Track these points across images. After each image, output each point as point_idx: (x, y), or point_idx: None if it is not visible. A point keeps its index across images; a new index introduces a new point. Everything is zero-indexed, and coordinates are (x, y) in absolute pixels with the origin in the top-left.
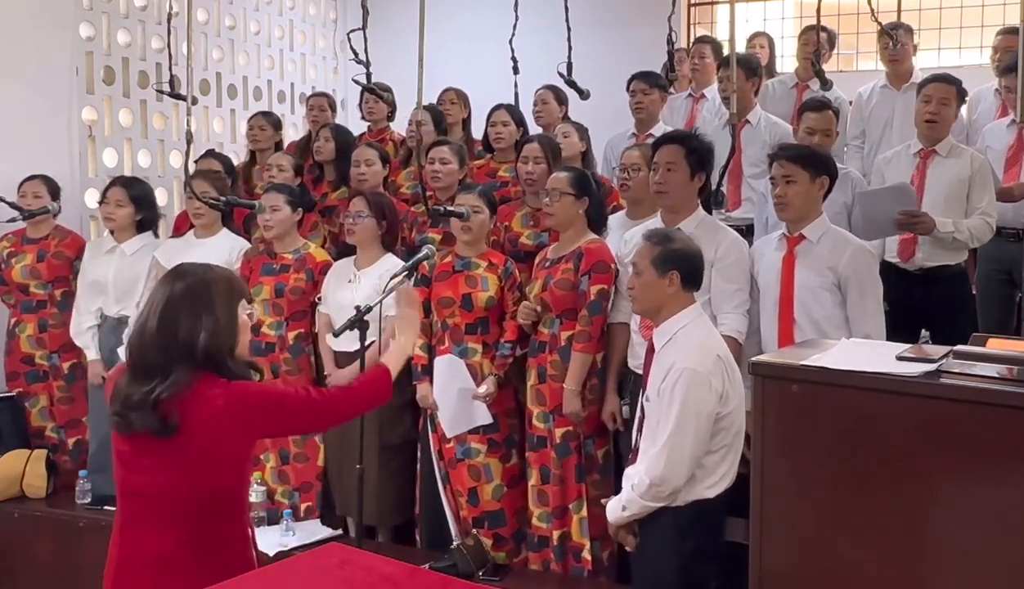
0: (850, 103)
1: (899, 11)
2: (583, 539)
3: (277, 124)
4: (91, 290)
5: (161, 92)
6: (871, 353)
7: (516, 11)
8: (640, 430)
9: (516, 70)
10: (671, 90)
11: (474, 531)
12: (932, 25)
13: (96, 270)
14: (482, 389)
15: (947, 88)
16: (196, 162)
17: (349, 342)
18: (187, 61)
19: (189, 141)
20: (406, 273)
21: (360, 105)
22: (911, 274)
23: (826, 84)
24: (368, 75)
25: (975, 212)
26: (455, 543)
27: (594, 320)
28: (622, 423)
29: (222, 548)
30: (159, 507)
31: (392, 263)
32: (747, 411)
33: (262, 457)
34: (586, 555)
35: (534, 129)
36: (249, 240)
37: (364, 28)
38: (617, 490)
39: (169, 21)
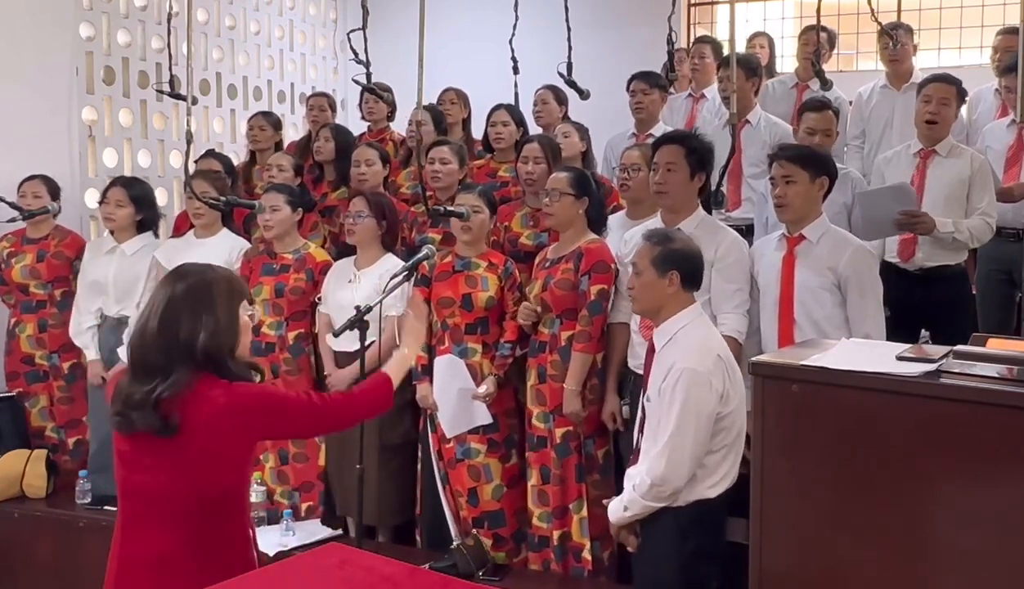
0: (850, 103)
1: (899, 11)
2: (583, 539)
3: (277, 124)
4: (91, 290)
5: (161, 92)
6: (871, 353)
7: (516, 11)
8: (641, 430)
9: (516, 70)
10: (671, 90)
11: (474, 531)
12: (932, 25)
13: (96, 270)
14: (482, 389)
15: (947, 88)
16: (196, 162)
17: (349, 342)
18: (187, 61)
19: (189, 141)
20: (406, 273)
21: (360, 105)
22: (911, 274)
23: (826, 84)
24: (368, 75)
25: (975, 212)
26: (455, 543)
27: (594, 320)
28: (622, 423)
29: (223, 548)
30: (160, 507)
31: (392, 263)
32: (747, 411)
33: (262, 457)
34: (586, 555)
35: (534, 129)
36: (249, 240)
37: (364, 28)
38: (617, 490)
39: (169, 21)
